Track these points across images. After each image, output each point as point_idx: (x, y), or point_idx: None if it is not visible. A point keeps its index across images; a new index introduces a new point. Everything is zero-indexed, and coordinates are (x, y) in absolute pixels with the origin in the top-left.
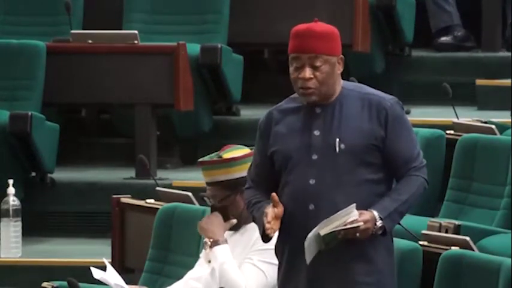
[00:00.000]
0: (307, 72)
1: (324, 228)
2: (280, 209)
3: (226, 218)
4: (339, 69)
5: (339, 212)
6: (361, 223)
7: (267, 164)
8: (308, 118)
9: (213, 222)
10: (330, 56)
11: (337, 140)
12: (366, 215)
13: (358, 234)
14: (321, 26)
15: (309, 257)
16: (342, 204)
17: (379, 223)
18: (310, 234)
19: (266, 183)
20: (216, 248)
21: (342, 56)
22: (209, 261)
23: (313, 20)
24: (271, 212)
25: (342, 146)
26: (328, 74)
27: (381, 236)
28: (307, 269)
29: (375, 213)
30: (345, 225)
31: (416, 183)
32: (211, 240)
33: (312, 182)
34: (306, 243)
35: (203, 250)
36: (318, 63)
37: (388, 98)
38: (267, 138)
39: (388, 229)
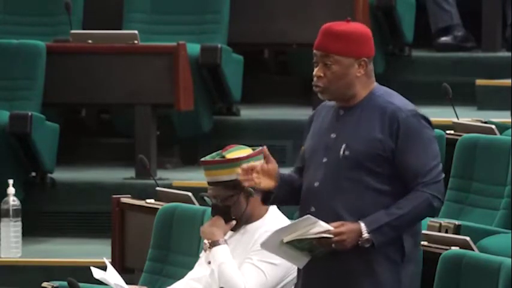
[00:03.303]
0: (318, 70)
1: (288, 235)
2: (271, 166)
3: (228, 218)
4: (359, 72)
5: (299, 220)
6: (332, 235)
7: (303, 157)
8: (333, 119)
9: (213, 224)
10: (342, 57)
11: (344, 145)
12: (345, 226)
13: (333, 245)
14: (343, 26)
15: (288, 258)
16: (340, 210)
17: (365, 236)
18: (268, 237)
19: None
20: (215, 249)
21: (364, 59)
22: (209, 263)
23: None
24: (259, 166)
25: (347, 152)
26: (337, 74)
27: (384, 246)
28: (302, 275)
29: (362, 225)
30: (317, 234)
31: (419, 199)
32: (209, 241)
33: (316, 184)
34: (263, 246)
35: (203, 251)
36: (328, 62)
37: (405, 109)
38: (307, 132)
39: (376, 242)
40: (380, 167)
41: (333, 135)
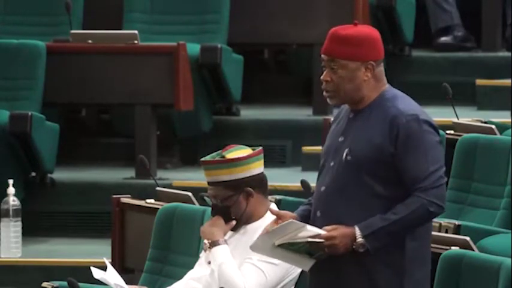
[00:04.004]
0: (325, 75)
1: (278, 238)
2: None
3: (227, 218)
4: (366, 75)
5: (283, 224)
6: (323, 240)
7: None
8: (344, 122)
9: (213, 224)
10: (348, 61)
11: (347, 149)
12: (337, 230)
13: (326, 250)
14: (349, 30)
15: (289, 261)
16: (343, 214)
17: (359, 240)
18: (257, 240)
19: None
20: (215, 249)
21: (371, 62)
22: (209, 263)
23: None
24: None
25: (349, 156)
26: (344, 78)
27: (382, 251)
28: (309, 276)
29: (356, 229)
30: (307, 238)
31: (415, 204)
32: (209, 241)
33: (322, 188)
34: (253, 248)
35: (203, 251)
36: (334, 67)
37: (406, 114)
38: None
39: (371, 248)
40: (382, 172)
41: (341, 139)
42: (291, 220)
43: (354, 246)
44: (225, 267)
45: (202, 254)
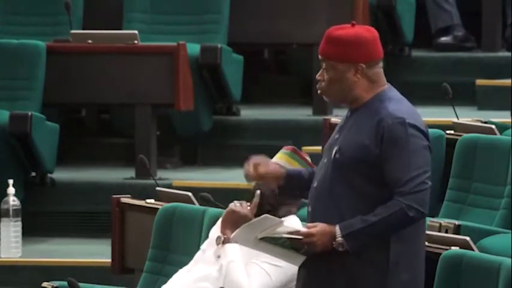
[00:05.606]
0: (319, 74)
1: (260, 232)
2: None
3: (263, 210)
4: (356, 77)
5: (258, 219)
6: (301, 237)
7: None
8: (343, 120)
9: (240, 220)
10: (336, 63)
11: (336, 147)
12: (317, 228)
13: (305, 247)
14: (342, 31)
15: (278, 256)
16: (330, 211)
17: (338, 239)
18: (237, 231)
19: None
20: (228, 245)
21: (361, 64)
22: (218, 257)
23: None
24: (262, 163)
25: (337, 155)
26: (333, 79)
27: (367, 251)
28: (298, 272)
29: (337, 228)
30: (287, 234)
31: (393, 208)
32: (225, 236)
33: (315, 184)
34: (235, 239)
35: (206, 242)
36: (325, 67)
37: (393, 117)
38: None
39: (349, 247)
40: (370, 173)
41: (336, 136)
42: (266, 215)
43: (333, 245)
44: (233, 265)
45: (202, 252)
